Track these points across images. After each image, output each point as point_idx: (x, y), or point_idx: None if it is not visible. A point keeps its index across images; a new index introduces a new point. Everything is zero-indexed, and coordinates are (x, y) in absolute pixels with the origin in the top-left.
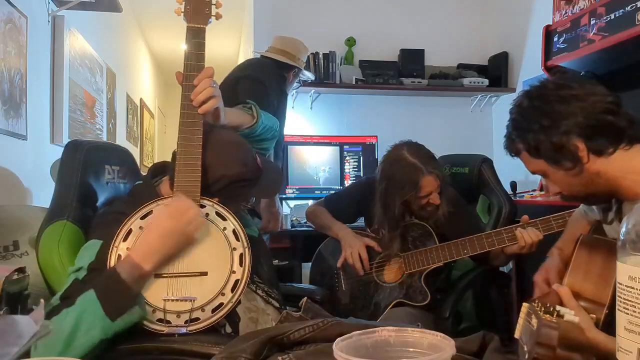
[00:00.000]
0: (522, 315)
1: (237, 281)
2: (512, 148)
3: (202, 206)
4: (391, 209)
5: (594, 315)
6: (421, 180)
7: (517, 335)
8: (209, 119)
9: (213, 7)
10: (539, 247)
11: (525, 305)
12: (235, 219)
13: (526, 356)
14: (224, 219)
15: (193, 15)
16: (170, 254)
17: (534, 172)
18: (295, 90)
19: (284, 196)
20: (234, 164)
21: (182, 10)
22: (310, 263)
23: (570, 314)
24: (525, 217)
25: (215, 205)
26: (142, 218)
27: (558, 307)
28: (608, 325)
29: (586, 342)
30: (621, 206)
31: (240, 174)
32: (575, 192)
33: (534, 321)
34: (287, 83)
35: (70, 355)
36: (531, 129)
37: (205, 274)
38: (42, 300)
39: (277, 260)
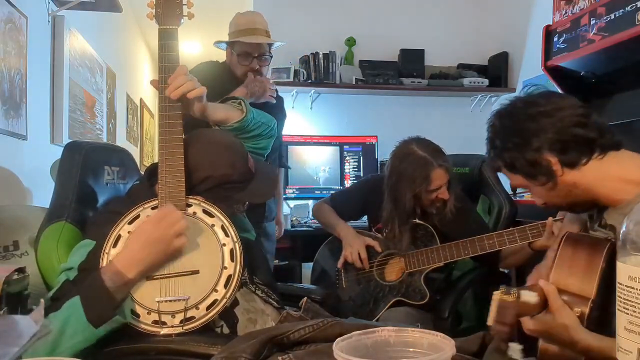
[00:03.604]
0: (492, 303)
1: (229, 277)
2: (492, 164)
3: (189, 205)
4: (402, 203)
5: (579, 309)
6: (432, 173)
7: (489, 322)
8: (195, 113)
9: (184, 7)
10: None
11: (495, 293)
12: (222, 215)
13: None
14: (211, 215)
15: (164, 18)
16: (154, 263)
17: (515, 187)
18: (295, 90)
19: (284, 196)
20: (220, 166)
21: (154, 14)
22: (310, 263)
23: (528, 295)
24: (550, 219)
25: (202, 203)
26: (130, 223)
27: (521, 291)
28: (594, 319)
29: (570, 340)
30: (601, 213)
31: (226, 176)
32: (557, 203)
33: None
34: (239, 69)
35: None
36: (505, 148)
37: (196, 272)
38: (42, 300)
39: (277, 260)
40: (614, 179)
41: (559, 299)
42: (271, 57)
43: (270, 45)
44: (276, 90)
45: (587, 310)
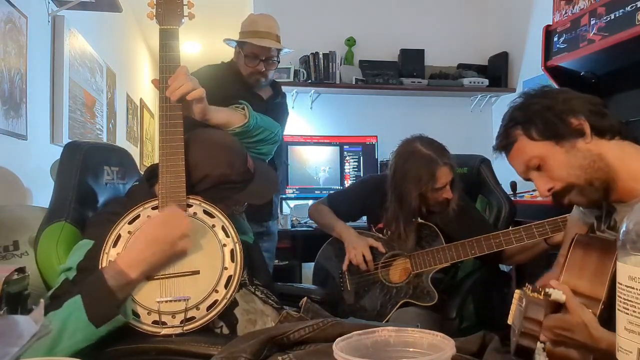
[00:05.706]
0: (514, 301)
1: (230, 277)
2: (505, 141)
3: (189, 205)
4: (407, 203)
5: (590, 311)
6: (437, 171)
7: (509, 321)
8: (196, 115)
9: (185, 7)
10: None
11: (517, 291)
12: (223, 216)
13: (516, 334)
14: (211, 216)
15: (165, 17)
16: (157, 263)
17: (527, 166)
18: (295, 90)
19: (284, 196)
20: (218, 165)
21: (154, 13)
22: (310, 263)
23: (557, 293)
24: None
25: (203, 204)
26: (130, 223)
27: (546, 288)
28: (604, 321)
29: (590, 339)
30: (611, 212)
31: (224, 176)
32: (573, 178)
33: (524, 302)
34: (245, 69)
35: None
36: (534, 110)
37: (197, 272)
38: (42, 300)
39: (277, 260)
40: (634, 165)
41: (575, 299)
42: (278, 61)
43: (279, 50)
44: (279, 85)
45: (597, 311)
